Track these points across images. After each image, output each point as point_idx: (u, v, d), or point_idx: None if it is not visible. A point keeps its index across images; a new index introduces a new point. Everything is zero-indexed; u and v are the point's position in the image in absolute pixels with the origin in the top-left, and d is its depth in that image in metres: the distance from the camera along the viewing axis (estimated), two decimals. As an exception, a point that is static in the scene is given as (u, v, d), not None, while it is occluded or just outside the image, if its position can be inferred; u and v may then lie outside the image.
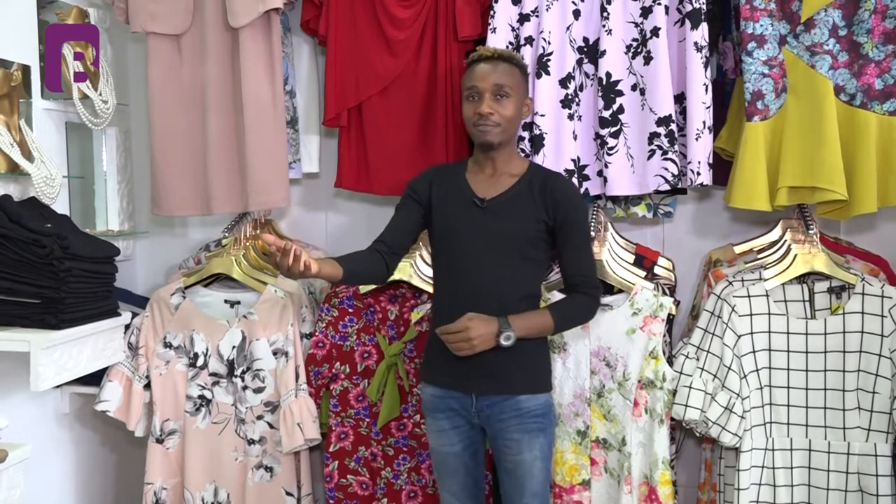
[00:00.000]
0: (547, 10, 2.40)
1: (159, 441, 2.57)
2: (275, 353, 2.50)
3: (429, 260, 2.55)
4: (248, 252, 2.60)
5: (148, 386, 2.57)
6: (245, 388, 2.52)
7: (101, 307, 2.35)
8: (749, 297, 2.26)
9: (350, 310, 2.51)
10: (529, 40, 2.42)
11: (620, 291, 2.38)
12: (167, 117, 2.61)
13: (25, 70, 2.40)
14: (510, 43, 2.45)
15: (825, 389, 2.23)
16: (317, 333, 2.53)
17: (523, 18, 2.44)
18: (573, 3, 2.41)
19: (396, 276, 2.44)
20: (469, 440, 2.15)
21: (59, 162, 2.48)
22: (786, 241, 2.35)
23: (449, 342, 1.99)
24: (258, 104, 2.51)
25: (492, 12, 2.44)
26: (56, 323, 2.17)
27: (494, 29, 2.43)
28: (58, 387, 2.36)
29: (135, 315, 2.60)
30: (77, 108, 2.49)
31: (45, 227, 2.22)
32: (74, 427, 2.68)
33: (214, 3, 2.54)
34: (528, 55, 2.42)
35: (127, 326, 2.53)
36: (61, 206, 2.48)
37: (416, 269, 2.47)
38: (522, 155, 2.40)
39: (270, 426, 2.51)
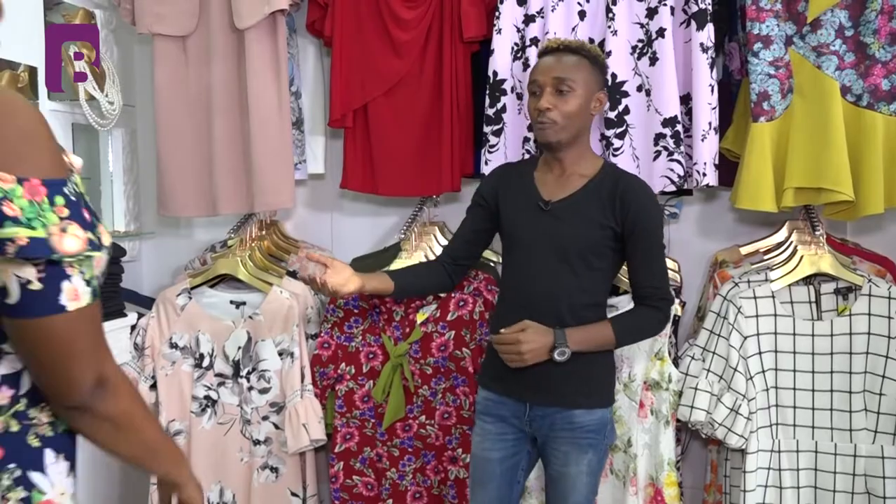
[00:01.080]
0: (552, 10, 2.40)
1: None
2: (280, 354, 2.50)
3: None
4: (254, 253, 2.61)
5: (154, 386, 2.57)
6: (251, 388, 2.52)
7: (107, 307, 2.36)
8: (755, 298, 2.25)
9: (355, 310, 2.52)
10: (535, 41, 2.42)
11: (626, 293, 2.38)
12: (173, 118, 2.62)
13: (32, 71, 2.40)
14: (515, 44, 2.45)
15: (832, 391, 2.22)
16: (322, 334, 2.53)
17: (529, 19, 2.44)
18: (578, 3, 2.40)
19: (402, 276, 2.44)
20: (512, 451, 2.04)
21: (65, 163, 2.48)
22: (792, 242, 2.34)
23: (501, 352, 1.90)
24: (264, 105, 2.52)
25: (497, 13, 2.44)
26: (62, 323, 2.18)
27: (500, 30, 2.43)
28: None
29: (140, 315, 2.60)
30: (83, 110, 2.50)
31: (52, 228, 2.22)
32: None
33: (220, 4, 2.54)
34: (533, 56, 2.42)
35: (133, 327, 2.54)
36: (68, 207, 2.48)
37: (421, 270, 2.47)
38: (528, 157, 2.40)
39: (276, 427, 2.51)
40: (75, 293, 1.00)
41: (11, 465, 1.06)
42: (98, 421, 1.10)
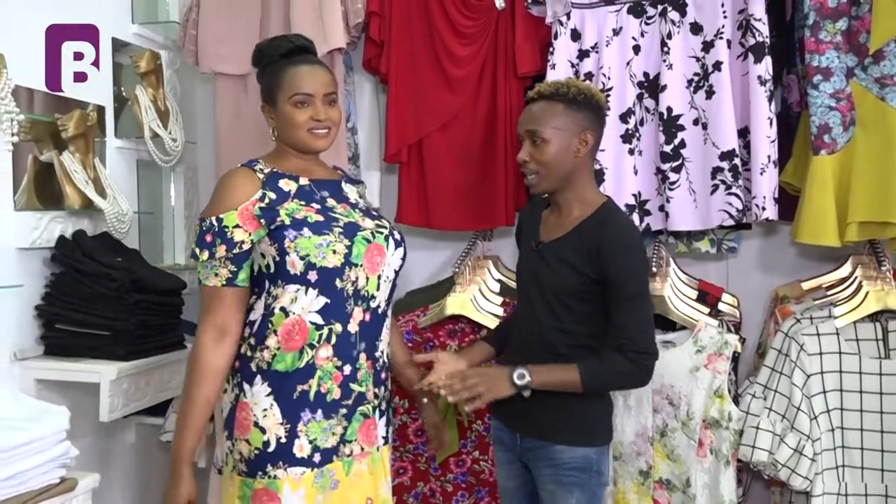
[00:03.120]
0: (607, 45, 2.41)
1: (220, 472, 2.59)
2: (335, 387, 2.51)
3: (488, 294, 2.55)
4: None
5: (211, 418, 2.60)
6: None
7: (168, 339, 2.41)
8: (818, 335, 2.19)
9: (409, 344, 2.52)
10: (589, 76, 2.43)
11: (683, 328, 2.34)
12: (233, 154, 2.68)
13: (100, 111, 2.50)
14: (570, 79, 2.45)
15: (901, 432, 2.14)
16: (376, 368, 2.53)
17: (583, 54, 2.44)
18: (633, 38, 2.40)
19: (456, 310, 2.45)
20: (522, 480, 2.00)
21: (130, 198, 2.57)
22: (857, 277, 2.28)
23: (455, 400, 1.86)
24: (321, 141, 2.56)
25: (551, 49, 2.45)
26: (125, 354, 2.23)
27: (554, 65, 2.44)
28: (125, 417, 2.41)
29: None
30: (148, 147, 2.58)
31: (116, 261, 2.29)
32: (140, 457, 2.74)
33: (280, 44, 2.61)
34: (587, 91, 2.42)
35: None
36: (132, 241, 2.56)
37: (475, 304, 2.47)
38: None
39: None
40: None
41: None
42: None
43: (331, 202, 1.79)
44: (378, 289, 1.77)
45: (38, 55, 2.29)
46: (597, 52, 2.43)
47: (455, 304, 2.46)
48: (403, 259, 1.85)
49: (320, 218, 1.72)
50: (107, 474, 2.35)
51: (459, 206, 2.59)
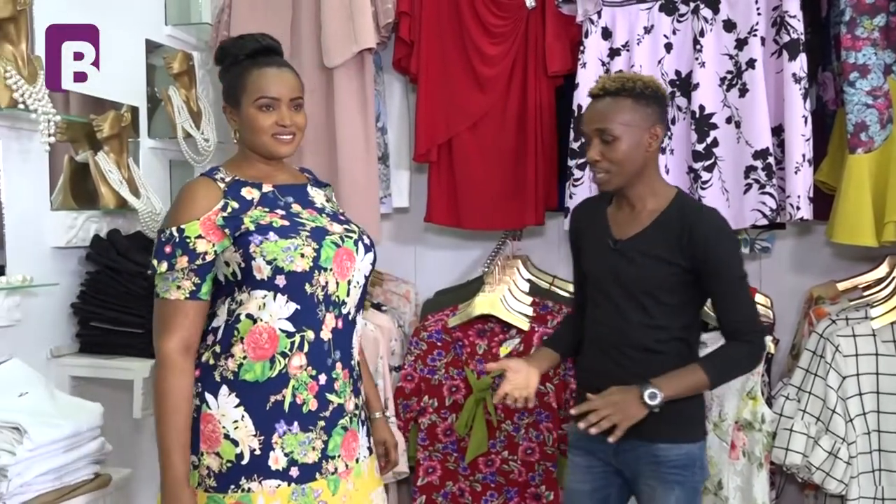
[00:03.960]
0: (638, 43, 2.39)
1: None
2: (364, 386, 2.52)
3: (517, 293, 2.55)
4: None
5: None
6: (335, 419, 2.55)
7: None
8: (854, 336, 2.15)
9: (439, 343, 2.52)
10: (620, 74, 2.41)
11: (715, 329, 2.31)
12: (264, 154, 2.70)
13: (134, 111, 2.53)
14: (600, 77, 2.44)
15: (940, 436, 2.10)
16: (405, 366, 2.54)
17: (614, 53, 2.43)
18: (665, 36, 2.38)
19: (486, 310, 2.44)
20: (602, 483, 1.94)
21: (163, 198, 2.59)
22: (894, 277, 2.24)
23: (592, 427, 1.79)
24: (351, 141, 2.58)
25: (582, 47, 2.44)
26: (158, 352, 2.25)
27: (584, 64, 2.43)
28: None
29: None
30: (181, 147, 2.61)
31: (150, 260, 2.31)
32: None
33: (311, 44, 2.63)
34: (618, 89, 2.41)
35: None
36: (165, 240, 2.58)
37: (504, 303, 2.47)
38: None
39: (359, 458, 2.52)
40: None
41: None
42: None
43: (296, 208, 1.70)
44: (348, 294, 1.67)
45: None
46: (628, 50, 2.41)
47: (484, 303, 2.46)
48: (373, 264, 1.77)
49: (286, 223, 1.63)
50: (139, 470, 2.37)
51: (489, 206, 2.59)
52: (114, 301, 2.28)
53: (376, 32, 2.58)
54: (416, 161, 2.71)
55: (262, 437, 1.59)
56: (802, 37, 2.24)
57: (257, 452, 1.59)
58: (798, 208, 2.22)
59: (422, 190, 2.76)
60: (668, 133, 2.38)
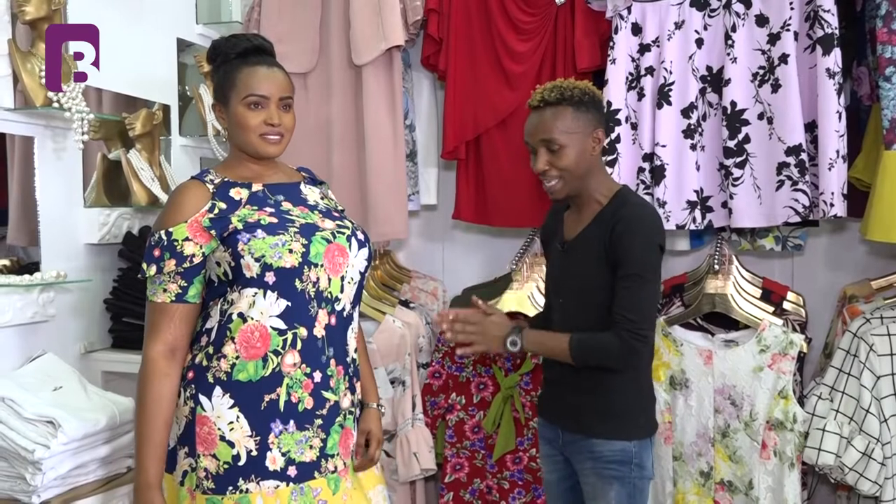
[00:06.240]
0: (668, 39, 2.37)
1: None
2: (392, 382, 2.53)
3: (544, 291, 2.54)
4: (367, 282, 2.66)
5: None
6: (363, 416, 2.56)
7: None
8: (889, 335, 2.12)
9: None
10: (650, 70, 2.39)
11: (747, 327, 2.29)
12: (293, 151, 2.68)
13: (166, 109, 2.56)
14: (630, 73, 2.42)
15: (977, 438, 2.06)
16: (433, 364, 2.55)
17: (644, 48, 2.41)
18: (696, 31, 2.36)
19: (513, 307, 2.44)
20: (566, 473, 1.99)
21: (193, 195, 2.62)
22: (930, 276, 2.20)
23: (456, 330, 1.88)
24: (380, 138, 2.58)
25: (611, 43, 2.42)
26: (188, 348, 2.28)
27: (614, 60, 2.41)
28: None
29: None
30: (211, 144, 2.64)
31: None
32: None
33: (339, 42, 2.64)
34: (648, 86, 2.38)
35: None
36: (195, 237, 2.61)
37: (532, 301, 2.46)
38: (642, 187, 2.37)
39: (387, 454, 2.53)
40: None
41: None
42: None
43: (286, 205, 1.69)
44: (342, 290, 1.67)
45: (105, 55, 2.34)
46: (658, 46, 2.39)
47: (512, 300, 2.46)
48: (369, 260, 1.75)
49: (274, 220, 1.63)
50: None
51: (517, 203, 2.58)
52: (141, 296, 2.30)
53: (405, 30, 2.59)
54: (445, 158, 2.71)
55: (258, 438, 1.59)
56: (837, 31, 2.20)
57: (254, 453, 1.58)
58: (832, 205, 2.18)
59: (450, 187, 2.77)
60: (700, 129, 2.36)
